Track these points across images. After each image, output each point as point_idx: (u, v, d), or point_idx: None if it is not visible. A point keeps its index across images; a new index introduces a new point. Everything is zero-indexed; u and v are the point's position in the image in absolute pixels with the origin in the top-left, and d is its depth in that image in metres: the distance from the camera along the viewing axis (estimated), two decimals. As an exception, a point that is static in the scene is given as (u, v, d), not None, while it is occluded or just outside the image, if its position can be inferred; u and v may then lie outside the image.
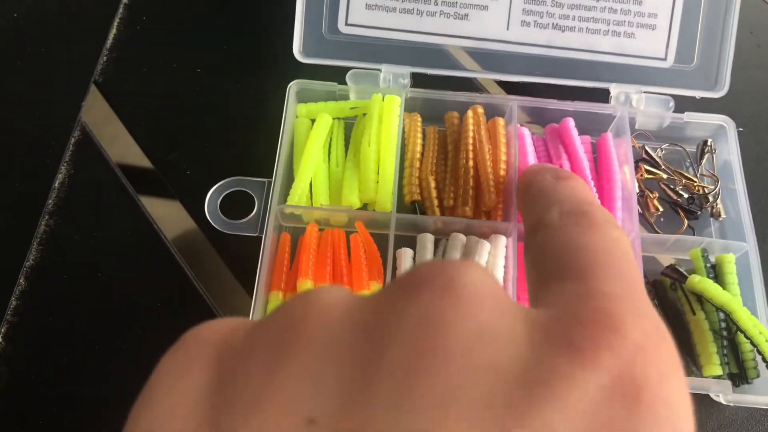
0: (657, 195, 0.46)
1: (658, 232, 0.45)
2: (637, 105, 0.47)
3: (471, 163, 0.45)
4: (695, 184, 0.46)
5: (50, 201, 0.46)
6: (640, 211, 0.46)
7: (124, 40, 0.54)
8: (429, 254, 0.43)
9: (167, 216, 0.46)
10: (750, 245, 0.43)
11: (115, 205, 0.46)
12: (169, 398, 0.12)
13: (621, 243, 0.17)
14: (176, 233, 0.46)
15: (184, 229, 0.46)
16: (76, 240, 0.45)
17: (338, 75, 0.48)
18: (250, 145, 0.48)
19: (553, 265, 0.17)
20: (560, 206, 0.20)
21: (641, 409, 0.11)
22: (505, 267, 0.42)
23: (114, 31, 0.54)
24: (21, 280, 0.43)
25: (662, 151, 0.48)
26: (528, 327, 0.12)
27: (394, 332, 0.12)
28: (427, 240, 0.43)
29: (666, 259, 0.45)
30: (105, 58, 0.53)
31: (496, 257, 0.42)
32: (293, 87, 0.47)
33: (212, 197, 0.44)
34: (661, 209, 0.46)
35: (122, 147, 0.49)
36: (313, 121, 0.47)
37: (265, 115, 0.48)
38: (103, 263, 0.44)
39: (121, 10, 0.55)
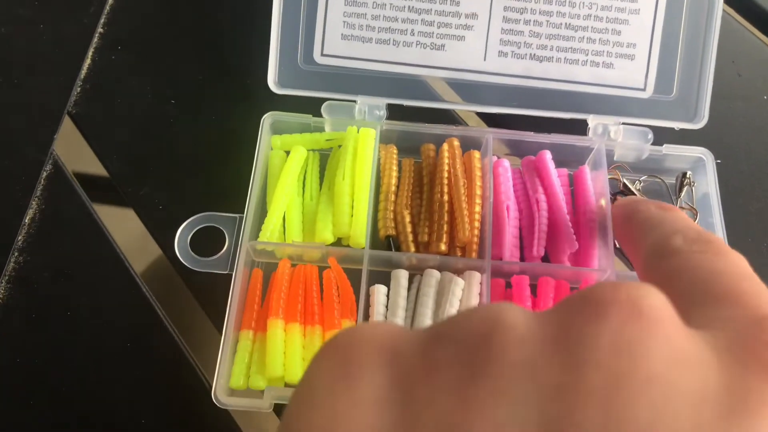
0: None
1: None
2: (615, 137, 0.47)
3: (446, 197, 0.44)
4: (673, 218, 0.46)
5: (20, 237, 0.46)
6: (617, 245, 0.45)
7: (98, 70, 0.53)
8: (403, 290, 0.42)
9: (139, 251, 0.46)
10: (727, 282, 0.42)
11: (86, 241, 0.46)
12: (343, 399, 0.12)
13: (748, 268, 0.18)
14: (147, 269, 0.45)
15: (155, 265, 0.45)
16: (45, 277, 0.44)
17: (314, 106, 0.47)
18: (224, 178, 0.48)
19: (696, 289, 0.17)
20: (683, 234, 0.21)
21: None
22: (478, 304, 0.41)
23: (88, 60, 0.53)
24: None
25: (641, 183, 0.48)
26: (714, 351, 0.12)
27: (589, 355, 0.11)
28: (401, 276, 0.43)
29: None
30: (79, 88, 0.52)
31: (470, 294, 0.41)
32: (267, 119, 0.46)
33: (182, 233, 0.44)
34: None
35: (94, 181, 0.49)
36: (287, 152, 0.47)
37: (239, 147, 0.48)
38: (73, 301, 0.43)
39: (95, 39, 0.54)
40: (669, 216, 0.25)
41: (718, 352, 0.12)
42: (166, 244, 0.45)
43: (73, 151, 0.50)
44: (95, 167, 0.49)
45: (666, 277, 0.20)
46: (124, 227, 0.47)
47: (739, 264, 0.18)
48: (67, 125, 0.51)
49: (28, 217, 0.46)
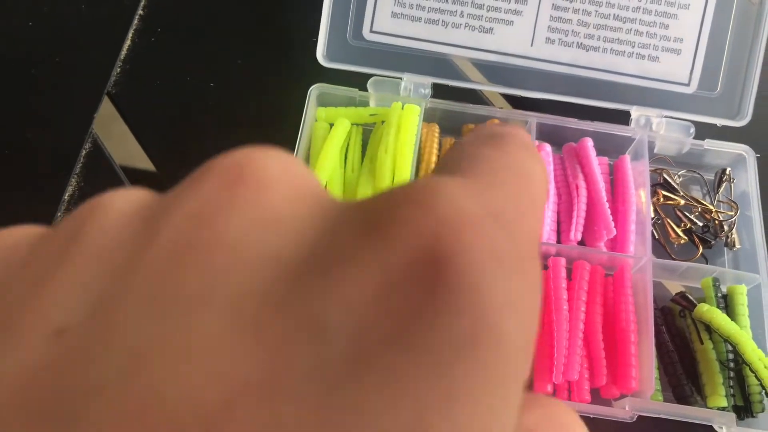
0: (686, 225, 0.45)
1: (673, 259, 0.45)
2: (657, 129, 0.47)
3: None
4: (711, 213, 0.46)
5: (60, 214, 0.46)
6: (656, 235, 0.45)
7: (138, 52, 0.53)
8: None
9: None
10: (763, 277, 0.42)
11: None
12: None
13: (525, 165, 0.14)
14: None
15: None
16: None
17: (359, 81, 0.48)
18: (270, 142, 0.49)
19: (434, 170, 0.14)
20: (480, 131, 0.17)
21: (440, 293, 0.09)
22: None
23: (128, 42, 0.54)
24: None
25: (680, 177, 0.48)
26: (327, 212, 0.11)
27: (163, 229, 0.10)
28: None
29: (676, 287, 0.45)
30: (119, 69, 0.53)
31: None
32: (314, 91, 0.47)
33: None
34: (684, 239, 0.45)
35: (133, 160, 0.49)
36: (331, 125, 0.47)
37: (284, 117, 0.49)
38: None
39: (136, 21, 0.55)
40: (495, 126, 0.20)
41: (333, 213, 0.11)
42: None
43: (111, 130, 0.51)
44: (134, 147, 0.50)
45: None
46: None
47: (511, 156, 0.13)
48: (106, 105, 0.51)
49: (67, 194, 0.47)
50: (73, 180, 0.48)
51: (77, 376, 0.09)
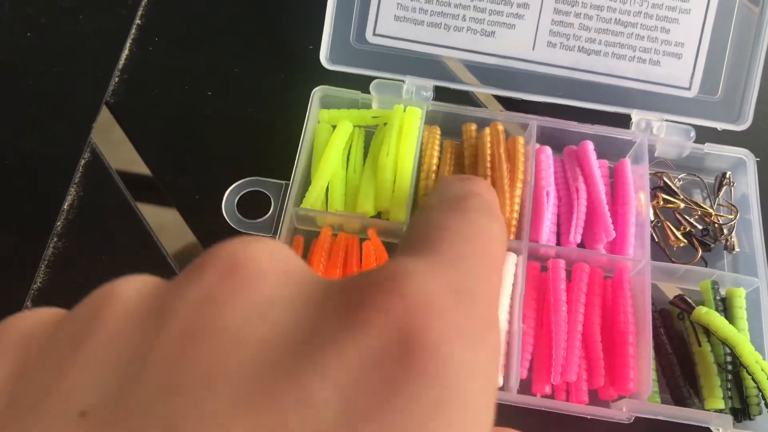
0: (685, 228, 0.46)
1: (673, 262, 0.45)
2: (658, 133, 0.47)
3: (489, 180, 0.45)
4: (711, 216, 0.46)
5: (59, 223, 0.47)
6: (656, 238, 0.46)
7: (136, 61, 0.54)
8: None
9: (175, 238, 0.47)
10: (762, 281, 0.42)
11: (124, 228, 0.47)
12: None
13: (485, 229, 0.15)
14: (182, 254, 0.46)
15: (190, 251, 0.46)
16: (84, 262, 0.45)
17: (362, 84, 0.48)
18: (267, 150, 0.49)
19: (404, 242, 0.16)
20: (444, 193, 0.18)
21: (412, 368, 0.11)
22: (513, 285, 0.42)
23: (126, 51, 0.54)
24: (28, 303, 0.44)
25: (680, 180, 0.48)
26: (311, 294, 0.12)
27: (171, 316, 0.11)
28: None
29: (675, 290, 0.45)
30: (117, 79, 0.53)
31: (505, 275, 0.42)
32: (317, 92, 0.48)
33: (230, 195, 0.45)
34: (684, 242, 0.45)
35: (131, 168, 0.50)
36: (334, 127, 0.48)
37: (286, 121, 0.49)
38: None
39: (133, 31, 0.55)
40: (458, 181, 0.20)
41: (316, 297, 0.12)
42: (201, 230, 0.46)
43: (110, 139, 0.51)
44: (132, 156, 0.50)
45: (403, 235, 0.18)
46: (160, 215, 0.48)
47: (471, 222, 0.15)
48: (105, 115, 0.52)
49: (66, 204, 0.47)
50: (72, 189, 0.48)
51: None
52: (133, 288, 0.13)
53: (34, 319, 0.13)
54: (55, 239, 0.46)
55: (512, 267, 0.42)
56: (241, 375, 0.10)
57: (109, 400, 0.10)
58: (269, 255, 0.13)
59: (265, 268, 0.12)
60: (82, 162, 0.49)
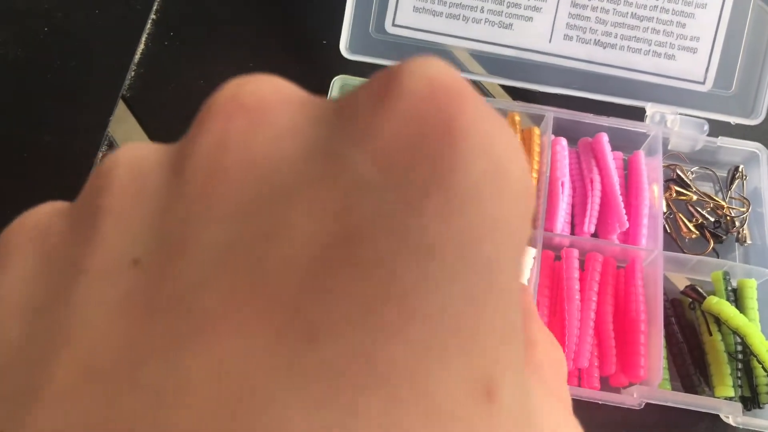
0: (698, 220, 0.46)
1: (684, 252, 0.46)
2: (672, 126, 0.48)
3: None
4: (723, 209, 0.47)
5: None
6: (668, 230, 0.46)
7: (152, 55, 0.55)
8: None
9: None
10: (773, 273, 0.43)
11: None
12: None
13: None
14: None
15: None
16: None
17: (381, 73, 0.49)
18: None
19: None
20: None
21: (458, 143, 0.10)
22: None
23: (142, 46, 0.55)
24: None
25: (693, 173, 0.49)
26: (323, 109, 0.11)
27: (189, 167, 0.11)
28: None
29: (686, 282, 0.46)
30: (133, 73, 0.54)
31: (523, 267, 0.43)
32: (337, 81, 0.49)
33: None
34: (696, 234, 0.46)
35: None
36: (353, 116, 0.49)
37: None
38: None
39: (149, 25, 0.56)
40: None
41: (348, 101, 0.11)
42: None
43: (127, 133, 0.52)
44: None
45: None
46: None
47: None
48: (121, 108, 0.53)
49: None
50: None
51: (169, 285, 0.10)
52: (142, 147, 0.12)
53: (45, 210, 0.13)
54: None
55: (530, 261, 0.43)
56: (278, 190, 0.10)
57: (157, 248, 0.10)
58: (269, 87, 0.12)
59: (269, 100, 0.12)
60: (100, 155, 0.50)
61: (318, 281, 0.09)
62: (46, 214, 0.13)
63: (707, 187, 0.49)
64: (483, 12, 0.50)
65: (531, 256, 0.43)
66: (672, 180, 0.48)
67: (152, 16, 0.56)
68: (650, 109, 0.48)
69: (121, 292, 0.10)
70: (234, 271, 0.09)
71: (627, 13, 0.49)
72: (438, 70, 0.10)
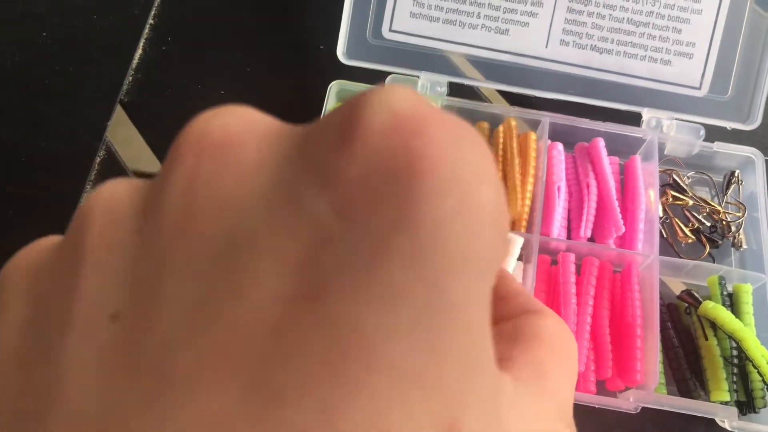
0: (694, 225, 0.47)
1: (680, 257, 0.46)
2: (668, 131, 0.48)
3: (500, 174, 0.46)
4: (719, 213, 0.47)
5: None
6: (664, 234, 0.46)
7: (149, 60, 0.55)
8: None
9: None
10: (768, 277, 0.43)
11: None
12: None
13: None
14: None
15: None
16: None
17: (378, 78, 0.49)
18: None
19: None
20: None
21: (422, 176, 0.09)
22: (524, 278, 0.43)
23: (140, 51, 0.55)
24: None
25: (689, 178, 0.49)
26: (291, 139, 0.11)
27: (160, 213, 0.11)
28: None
29: (681, 287, 0.46)
30: (131, 78, 0.54)
31: (512, 256, 0.42)
32: (334, 86, 0.49)
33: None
34: (692, 239, 0.46)
35: (146, 166, 0.51)
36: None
37: (301, 117, 0.50)
38: None
39: (147, 30, 0.56)
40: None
41: (311, 139, 0.11)
42: None
43: (124, 138, 0.52)
44: (146, 153, 0.51)
45: None
46: None
47: None
48: (119, 113, 0.53)
49: (83, 200, 0.48)
50: (88, 186, 0.49)
51: (146, 342, 0.10)
52: (114, 198, 0.12)
53: (38, 249, 0.13)
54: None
55: (517, 250, 0.43)
56: (246, 227, 0.10)
57: (133, 301, 0.10)
58: (237, 121, 0.12)
59: (236, 135, 0.11)
60: (98, 159, 0.50)
61: (282, 341, 0.09)
62: (38, 253, 0.13)
63: (703, 192, 0.49)
64: (480, 17, 0.50)
65: (518, 245, 0.43)
66: (668, 185, 0.48)
67: (150, 21, 0.56)
68: (646, 114, 0.49)
69: (104, 349, 0.10)
70: (205, 329, 0.10)
71: (623, 18, 0.49)
72: (400, 100, 0.10)
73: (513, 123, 0.48)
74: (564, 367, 0.16)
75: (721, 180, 0.49)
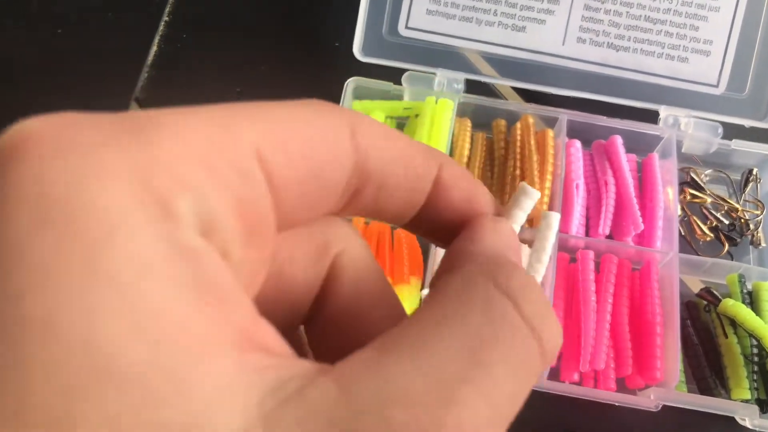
0: (712, 223, 0.46)
1: (698, 255, 0.46)
2: (686, 128, 0.48)
3: (518, 171, 0.46)
4: (737, 211, 0.47)
5: None
6: (682, 232, 0.46)
7: (164, 58, 0.55)
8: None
9: None
10: (788, 275, 0.43)
11: None
12: None
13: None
14: None
15: None
16: None
17: (394, 75, 0.49)
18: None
19: None
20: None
21: None
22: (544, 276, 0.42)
23: (155, 48, 0.55)
24: None
25: (707, 176, 0.49)
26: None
27: None
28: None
29: (699, 285, 0.46)
30: (146, 75, 0.54)
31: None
32: (351, 83, 0.49)
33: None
34: (710, 236, 0.46)
35: None
36: (366, 118, 0.49)
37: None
38: None
39: (162, 27, 0.56)
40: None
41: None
42: None
43: None
44: None
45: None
46: None
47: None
48: (134, 110, 0.53)
49: None
50: None
51: None
52: None
53: None
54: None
55: (556, 225, 0.42)
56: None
57: None
58: (39, 129, 0.11)
59: (35, 143, 0.10)
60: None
61: None
62: None
63: (721, 190, 0.49)
64: (496, 15, 0.50)
65: (556, 220, 0.42)
66: (686, 183, 0.48)
67: (165, 18, 0.56)
68: (664, 111, 0.49)
69: None
70: None
71: (640, 16, 0.49)
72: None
73: (530, 120, 0.48)
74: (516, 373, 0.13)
75: (739, 178, 0.49)
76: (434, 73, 0.49)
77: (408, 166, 0.15)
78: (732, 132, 0.49)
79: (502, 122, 0.49)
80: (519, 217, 0.38)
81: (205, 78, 0.54)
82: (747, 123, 0.48)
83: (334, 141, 0.13)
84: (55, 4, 0.57)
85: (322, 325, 0.15)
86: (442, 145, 0.46)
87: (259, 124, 0.12)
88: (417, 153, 0.15)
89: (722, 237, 0.46)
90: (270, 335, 0.11)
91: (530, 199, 0.42)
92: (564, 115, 0.47)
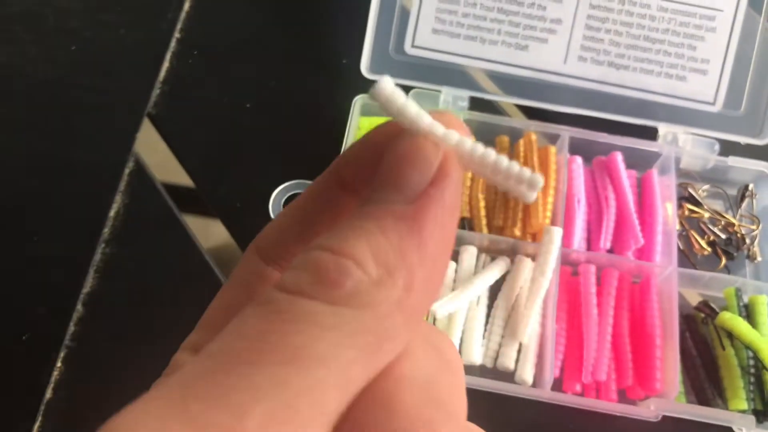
0: (709, 237, 0.48)
1: (696, 269, 0.47)
2: (684, 145, 0.50)
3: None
4: (734, 226, 0.48)
5: (106, 230, 0.49)
6: (681, 246, 0.48)
7: (176, 74, 0.56)
8: (469, 267, 0.45)
9: (216, 245, 0.49)
10: (783, 289, 0.44)
11: (167, 235, 0.49)
12: None
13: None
14: (224, 262, 0.48)
15: (232, 257, 0.48)
16: (130, 268, 0.48)
17: (401, 93, 0.50)
18: (306, 158, 0.50)
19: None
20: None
21: None
22: (548, 290, 0.44)
23: (167, 64, 0.56)
24: (79, 307, 0.46)
25: (704, 192, 0.50)
26: None
27: None
28: (469, 253, 0.46)
29: (698, 298, 0.47)
30: (158, 90, 0.55)
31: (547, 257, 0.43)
32: (358, 101, 0.50)
33: (277, 195, 0.48)
34: (708, 251, 0.48)
35: (173, 178, 0.52)
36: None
37: (325, 129, 0.51)
38: (156, 290, 0.47)
39: (173, 44, 0.57)
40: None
41: None
42: (242, 238, 0.48)
43: (153, 149, 0.53)
44: (173, 165, 0.52)
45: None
46: (201, 222, 0.50)
47: None
48: (146, 126, 0.54)
49: (113, 211, 0.49)
50: (117, 197, 0.50)
51: None
52: None
53: None
54: (103, 245, 0.48)
55: (558, 241, 0.43)
56: None
57: None
58: None
59: None
60: (127, 171, 0.51)
61: None
62: None
63: (718, 205, 0.50)
64: (500, 34, 0.51)
65: (558, 236, 0.43)
66: (684, 198, 0.50)
67: (176, 35, 0.58)
68: (662, 129, 0.50)
69: None
70: None
71: (639, 35, 0.51)
72: None
73: (533, 137, 0.49)
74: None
75: (735, 193, 0.50)
76: (439, 91, 0.51)
77: None
78: (728, 149, 0.50)
79: (506, 139, 0.50)
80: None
81: (216, 94, 0.55)
82: (743, 140, 0.50)
83: None
84: (71, 21, 0.58)
85: None
86: (448, 161, 0.48)
87: None
88: None
89: (719, 251, 0.48)
90: None
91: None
92: (566, 132, 0.49)
